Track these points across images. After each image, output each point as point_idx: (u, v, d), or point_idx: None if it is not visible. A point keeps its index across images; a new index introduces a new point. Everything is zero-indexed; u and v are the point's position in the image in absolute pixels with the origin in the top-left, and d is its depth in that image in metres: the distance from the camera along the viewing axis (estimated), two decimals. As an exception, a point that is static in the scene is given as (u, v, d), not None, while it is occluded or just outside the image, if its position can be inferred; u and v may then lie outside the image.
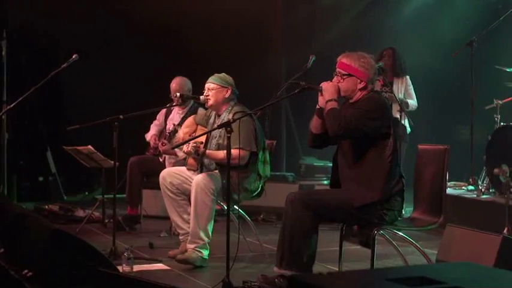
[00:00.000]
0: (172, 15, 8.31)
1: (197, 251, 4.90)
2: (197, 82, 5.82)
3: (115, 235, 5.17)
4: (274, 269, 4.16)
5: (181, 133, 5.55)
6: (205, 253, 4.95)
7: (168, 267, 4.96)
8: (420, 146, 4.51)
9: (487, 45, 7.49)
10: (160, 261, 5.08)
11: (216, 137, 5.14)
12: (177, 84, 6.40)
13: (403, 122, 6.83)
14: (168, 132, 6.35)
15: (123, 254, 4.74)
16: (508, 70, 6.68)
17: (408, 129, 7.03)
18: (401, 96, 6.95)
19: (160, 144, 6.28)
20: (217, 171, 5.07)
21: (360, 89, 4.17)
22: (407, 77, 7.10)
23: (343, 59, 4.19)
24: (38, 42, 8.32)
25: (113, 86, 8.09)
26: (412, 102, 7.01)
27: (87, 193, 7.89)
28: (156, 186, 5.52)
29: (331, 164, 4.43)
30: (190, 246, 4.93)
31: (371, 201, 4.03)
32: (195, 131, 5.40)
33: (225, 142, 4.36)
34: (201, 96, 5.28)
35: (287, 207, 4.10)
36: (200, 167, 5.20)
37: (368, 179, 4.06)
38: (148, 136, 6.63)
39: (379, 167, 4.06)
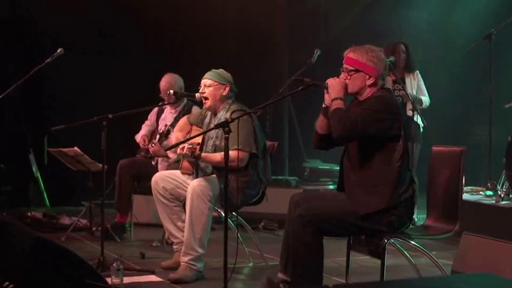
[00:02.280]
0: (167, 8, 8.31)
1: (191, 265, 4.87)
2: (195, 81, 5.80)
3: (103, 244, 5.17)
4: (279, 275, 4.15)
5: (174, 138, 5.43)
6: (200, 266, 4.92)
7: (161, 279, 4.94)
8: (434, 148, 4.50)
9: (507, 38, 7.49)
10: (152, 273, 5.08)
11: (212, 137, 5.12)
12: (167, 82, 6.35)
13: (415, 119, 6.84)
14: (159, 133, 6.31)
15: (112, 265, 4.73)
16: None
17: (421, 129, 7.04)
18: (414, 93, 6.96)
19: (150, 145, 6.17)
20: (214, 175, 5.05)
21: (369, 86, 4.14)
22: (418, 71, 7.12)
23: (350, 54, 4.16)
24: (21, 36, 8.31)
25: (101, 83, 8.07)
26: (425, 98, 7.04)
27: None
28: (147, 191, 5.51)
29: (337, 167, 4.42)
30: (184, 259, 4.90)
31: (376, 208, 4.00)
32: (189, 133, 5.35)
33: (222, 143, 4.33)
34: (196, 94, 5.25)
35: (290, 210, 4.10)
36: (196, 171, 5.18)
37: (374, 184, 4.04)
38: (138, 137, 6.60)
39: (387, 172, 4.03)
